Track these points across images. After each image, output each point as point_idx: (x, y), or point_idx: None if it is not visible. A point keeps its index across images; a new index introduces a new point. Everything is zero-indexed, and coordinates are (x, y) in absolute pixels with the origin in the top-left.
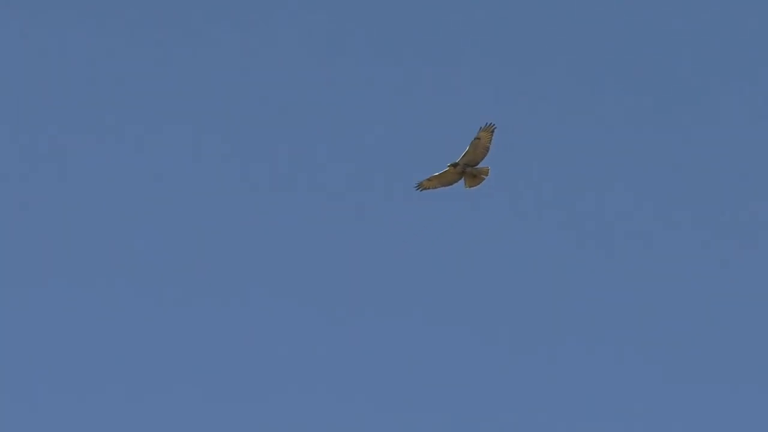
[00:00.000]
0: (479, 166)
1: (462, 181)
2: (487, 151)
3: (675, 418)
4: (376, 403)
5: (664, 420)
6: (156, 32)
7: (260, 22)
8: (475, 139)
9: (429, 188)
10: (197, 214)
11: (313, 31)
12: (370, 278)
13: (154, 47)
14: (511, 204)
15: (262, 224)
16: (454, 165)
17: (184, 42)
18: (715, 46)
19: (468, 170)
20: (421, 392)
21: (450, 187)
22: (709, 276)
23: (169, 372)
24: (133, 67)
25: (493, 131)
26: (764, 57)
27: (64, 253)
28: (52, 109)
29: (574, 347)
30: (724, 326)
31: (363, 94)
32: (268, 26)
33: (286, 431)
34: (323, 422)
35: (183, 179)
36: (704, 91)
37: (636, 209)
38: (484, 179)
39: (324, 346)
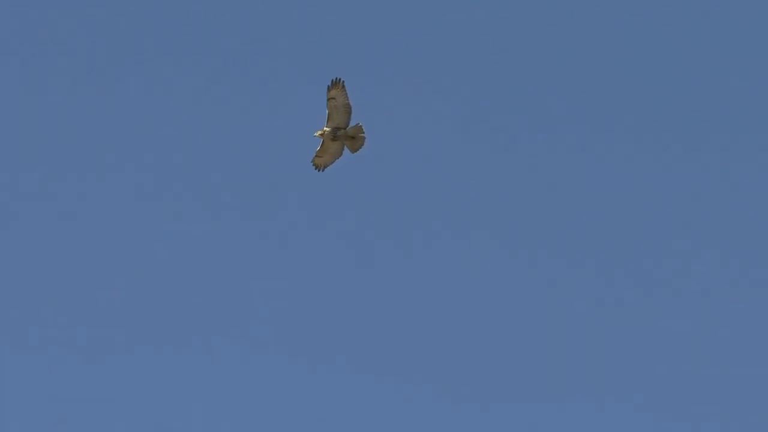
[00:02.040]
0: (351, 125)
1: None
2: (350, 108)
3: None
4: None
5: None
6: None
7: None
8: (328, 100)
9: (326, 165)
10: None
11: None
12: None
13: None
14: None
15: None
16: (322, 133)
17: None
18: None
19: (340, 133)
20: None
21: (342, 157)
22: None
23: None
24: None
25: (343, 86)
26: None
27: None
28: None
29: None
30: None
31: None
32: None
33: None
34: None
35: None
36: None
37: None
38: (363, 138)
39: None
